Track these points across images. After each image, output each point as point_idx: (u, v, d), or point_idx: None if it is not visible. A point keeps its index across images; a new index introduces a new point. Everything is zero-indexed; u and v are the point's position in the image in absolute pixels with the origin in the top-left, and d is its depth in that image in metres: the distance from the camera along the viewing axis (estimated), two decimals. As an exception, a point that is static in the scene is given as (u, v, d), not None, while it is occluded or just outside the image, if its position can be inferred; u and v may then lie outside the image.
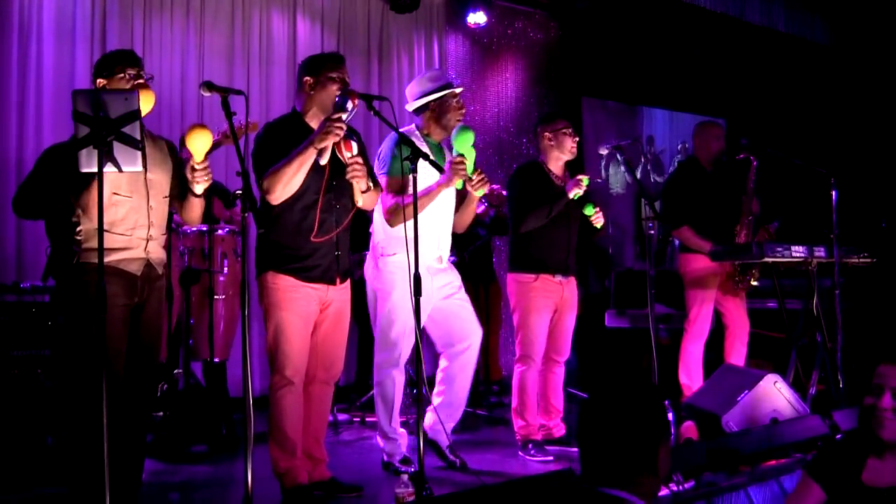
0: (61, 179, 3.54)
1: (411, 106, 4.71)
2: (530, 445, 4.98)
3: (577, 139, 5.21)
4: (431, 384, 4.75)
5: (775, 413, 4.64)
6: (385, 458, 4.62)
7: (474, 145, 4.45)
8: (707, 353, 5.91)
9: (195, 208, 3.84)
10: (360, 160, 3.93)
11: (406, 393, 5.90)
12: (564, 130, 5.16)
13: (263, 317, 4.01)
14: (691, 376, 5.78)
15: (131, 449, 3.67)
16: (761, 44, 9.58)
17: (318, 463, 4.11)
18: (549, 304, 5.07)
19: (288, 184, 3.84)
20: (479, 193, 4.51)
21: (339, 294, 4.09)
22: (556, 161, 5.20)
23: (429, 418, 4.60)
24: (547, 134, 5.18)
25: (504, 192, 6.19)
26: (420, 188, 3.98)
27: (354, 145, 3.97)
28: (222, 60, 7.02)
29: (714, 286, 5.80)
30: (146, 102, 3.59)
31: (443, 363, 4.73)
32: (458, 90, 4.72)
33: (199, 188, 3.67)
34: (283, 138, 3.94)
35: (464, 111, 4.70)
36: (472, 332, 4.71)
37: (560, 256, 5.10)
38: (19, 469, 4.32)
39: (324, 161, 3.88)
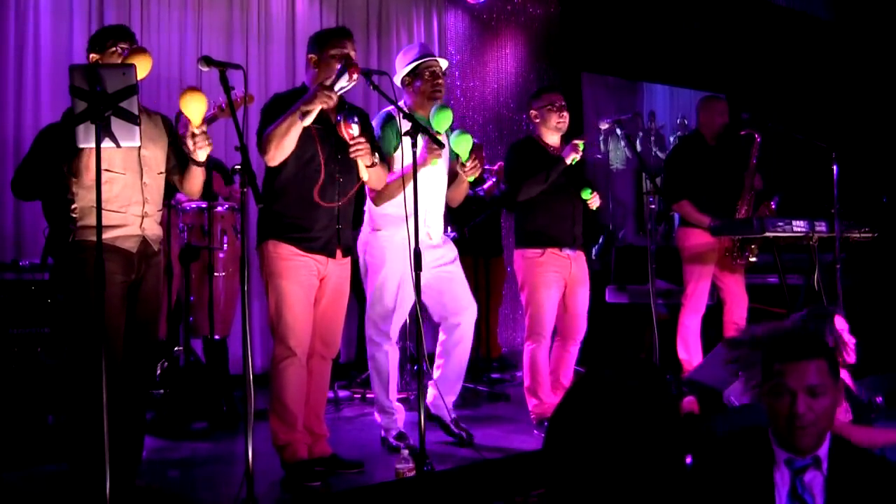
0: (57, 156, 3.52)
1: (397, 81, 4.68)
2: (545, 423, 4.96)
3: (565, 114, 5.09)
4: (433, 360, 4.74)
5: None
6: (382, 433, 4.62)
7: (468, 130, 4.48)
8: (708, 328, 5.90)
9: (196, 178, 3.80)
10: (362, 140, 3.91)
11: (406, 369, 5.92)
12: (549, 106, 5.06)
13: (265, 288, 4.00)
14: (689, 351, 5.77)
15: (131, 425, 3.67)
16: (762, 18, 9.52)
17: (318, 438, 4.10)
18: (557, 279, 5.01)
19: (279, 146, 3.82)
20: (470, 179, 4.53)
21: (339, 269, 4.08)
22: (550, 135, 5.12)
23: (430, 394, 4.60)
24: (532, 111, 5.13)
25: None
26: (407, 164, 4.03)
27: (355, 126, 3.91)
28: (221, 37, 6.96)
29: (712, 261, 5.78)
30: (143, 67, 3.51)
31: (441, 336, 4.71)
32: (431, 59, 4.60)
33: (201, 154, 3.64)
34: (287, 106, 3.92)
35: (439, 82, 4.57)
36: (463, 308, 4.67)
37: (565, 228, 5.04)
38: (20, 447, 4.32)
39: (306, 123, 3.83)
